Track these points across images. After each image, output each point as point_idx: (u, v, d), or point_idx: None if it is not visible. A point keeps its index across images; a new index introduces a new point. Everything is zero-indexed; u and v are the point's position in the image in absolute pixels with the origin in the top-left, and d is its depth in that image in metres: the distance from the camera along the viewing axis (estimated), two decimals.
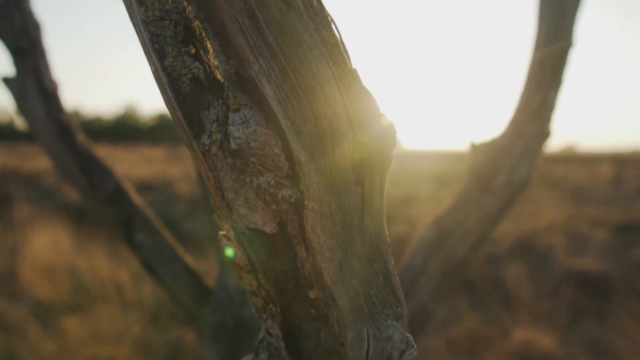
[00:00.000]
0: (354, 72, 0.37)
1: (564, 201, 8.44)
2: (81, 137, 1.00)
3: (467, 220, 1.05)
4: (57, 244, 4.34)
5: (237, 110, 0.34)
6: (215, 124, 0.35)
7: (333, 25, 0.36)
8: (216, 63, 0.37)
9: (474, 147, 1.10)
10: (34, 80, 0.94)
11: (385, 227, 0.43)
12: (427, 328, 1.11)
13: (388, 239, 0.45)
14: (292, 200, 0.36)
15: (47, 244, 4.33)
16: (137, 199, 1.04)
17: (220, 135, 0.35)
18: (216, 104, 0.36)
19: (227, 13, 0.32)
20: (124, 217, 0.98)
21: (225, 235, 0.42)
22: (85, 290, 3.55)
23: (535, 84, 1.07)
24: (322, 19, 0.34)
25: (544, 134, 1.06)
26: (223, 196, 0.37)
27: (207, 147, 0.36)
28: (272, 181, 0.36)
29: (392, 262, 0.44)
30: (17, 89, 0.95)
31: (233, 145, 0.35)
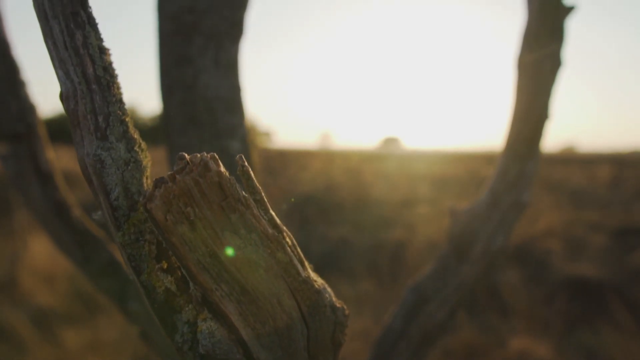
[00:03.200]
0: (305, 280, 0.42)
1: (562, 204, 8.45)
2: (76, 213, 1.05)
3: (446, 287, 1.11)
4: (58, 252, 4.37)
5: (205, 320, 0.40)
6: (186, 326, 0.41)
7: (288, 239, 0.41)
8: None
9: (453, 214, 1.15)
10: (30, 162, 0.99)
11: None
12: None
13: None
14: None
15: (47, 251, 4.36)
16: None
17: (191, 335, 0.40)
18: (187, 308, 0.41)
19: (190, 259, 0.37)
20: (118, 288, 1.04)
21: None
22: (85, 298, 3.59)
23: (512, 156, 1.12)
24: (276, 244, 0.39)
25: (521, 204, 1.11)
26: None
27: (179, 345, 0.41)
28: None
29: None
30: (14, 170, 1.00)
31: (201, 350, 0.40)
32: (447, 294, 1.10)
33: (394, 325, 1.14)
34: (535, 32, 1.11)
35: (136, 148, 0.42)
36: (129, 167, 0.41)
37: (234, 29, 0.98)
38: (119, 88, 0.42)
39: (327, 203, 8.33)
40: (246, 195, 0.37)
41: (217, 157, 0.36)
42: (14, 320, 3.14)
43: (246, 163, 0.38)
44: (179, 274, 0.42)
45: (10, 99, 0.98)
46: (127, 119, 0.42)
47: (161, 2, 0.96)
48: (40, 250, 4.33)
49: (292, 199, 9.28)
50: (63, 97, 0.40)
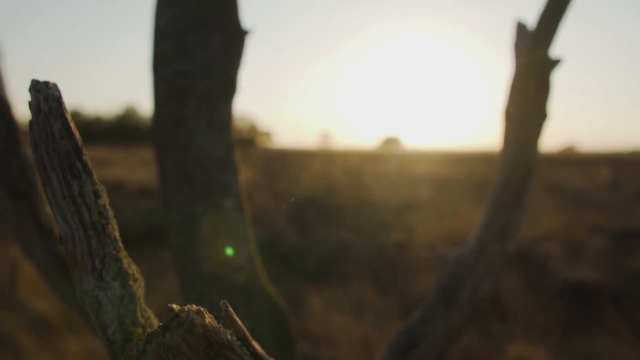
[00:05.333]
0: None
1: (562, 207, 8.46)
2: None
3: (434, 332, 1.14)
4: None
5: None
6: None
7: None
8: None
9: (442, 261, 1.19)
10: (31, 217, 1.03)
11: None
12: None
13: None
14: None
15: None
16: None
17: None
18: None
19: None
20: None
21: None
22: None
23: (499, 205, 1.15)
24: None
25: (507, 252, 1.15)
26: None
27: None
28: None
29: None
30: (15, 224, 1.04)
31: None
32: (435, 339, 1.14)
33: None
34: (522, 84, 1.15)
35: (130, 282, 0.46)
36: (124, 302, 0.45)
37: (227, 89, 1.01)
38: (113, 227, 0.46)
39: (327, 205, 8.37)
40: (230, 337, 0.41)
41: (202, 310, 0.40)
42: (13, 327, 3.17)
43: (229, 307, 0.42)
44: None
45: (11, 158, 1.01)
46: (121, 255, 0.46)
47: (156, 66, 1.00)
48: None
49: (292, 199, 9.32)
50: (62, 240, 0.44)
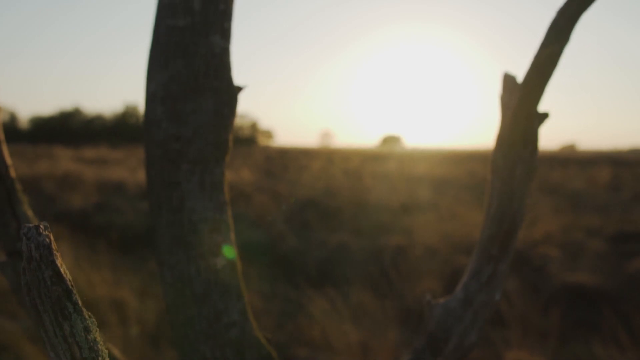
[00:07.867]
0: None
1: (561, 208, 8.46)
2: None
3: None
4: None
5: None
6: None
7: None
8: None
9: (429, 308, 1.22)
10: None
11: None
12: None
13: None
14: None
15: None
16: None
17: None
18: None
19: None
20: None
21: None
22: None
23: (486, 258, 1.18)
24: None
25: (492, 303, 1.18)
26: None
27: None
28: None
29: None
30: (12, 279, 1.07)
31: None
32: None
33: None
34: (509, 137, 1.17)
35: None
36: None
37: (219, 151, 1.03)
38: (103, 357, 0.49)
39: (327, 207, 8.39)
40: None
41: None
42: (14, 334, 3.19)
43: None
44: None
45: (9, 218, 1.04)
46: None
47: (148, 130, 1.02)
48: None
49: (293, 200, 9.35)
50: None
